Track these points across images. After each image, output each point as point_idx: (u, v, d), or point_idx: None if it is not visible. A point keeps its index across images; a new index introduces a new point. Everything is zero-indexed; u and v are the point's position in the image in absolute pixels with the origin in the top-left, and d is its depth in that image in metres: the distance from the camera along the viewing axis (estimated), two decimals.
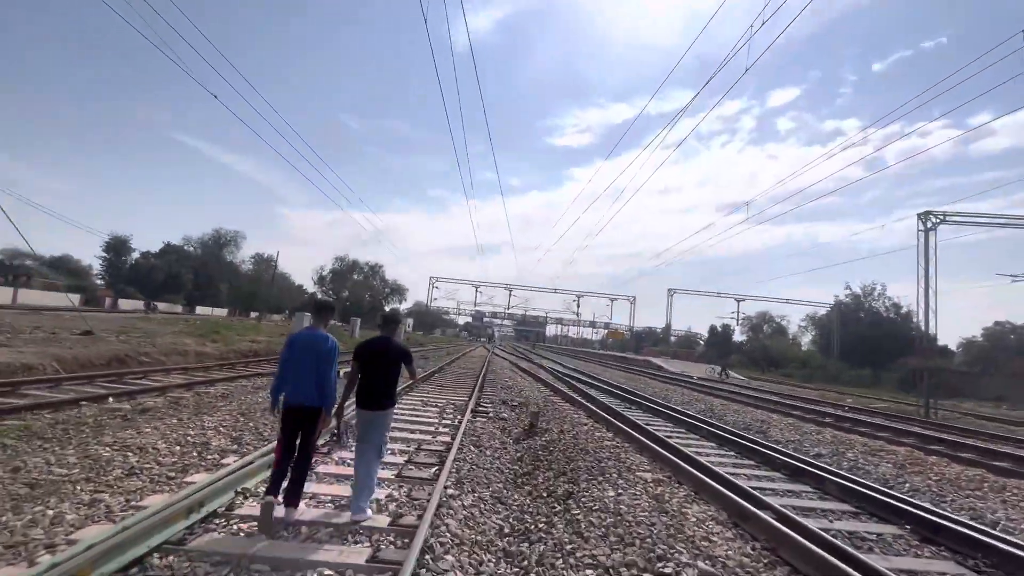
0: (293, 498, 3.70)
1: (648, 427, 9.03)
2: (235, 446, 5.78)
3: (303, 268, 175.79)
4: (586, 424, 9.17)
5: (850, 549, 3.90)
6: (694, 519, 4.47)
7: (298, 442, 3.78)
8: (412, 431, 7.39)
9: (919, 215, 24.42)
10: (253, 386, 10.72)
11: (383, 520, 3.90)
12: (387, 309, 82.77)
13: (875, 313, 57.48)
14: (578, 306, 79.06)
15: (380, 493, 4.47)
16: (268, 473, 3.98)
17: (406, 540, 3.56)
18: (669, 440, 7.79)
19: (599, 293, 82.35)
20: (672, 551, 3.72)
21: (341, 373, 4.21)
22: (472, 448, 6.64)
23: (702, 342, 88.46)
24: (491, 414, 9.80)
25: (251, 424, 6.82)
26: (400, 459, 5.85)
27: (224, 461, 5.12)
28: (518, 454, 7.00)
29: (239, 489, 4.24)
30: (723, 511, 4.76)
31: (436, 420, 8.46)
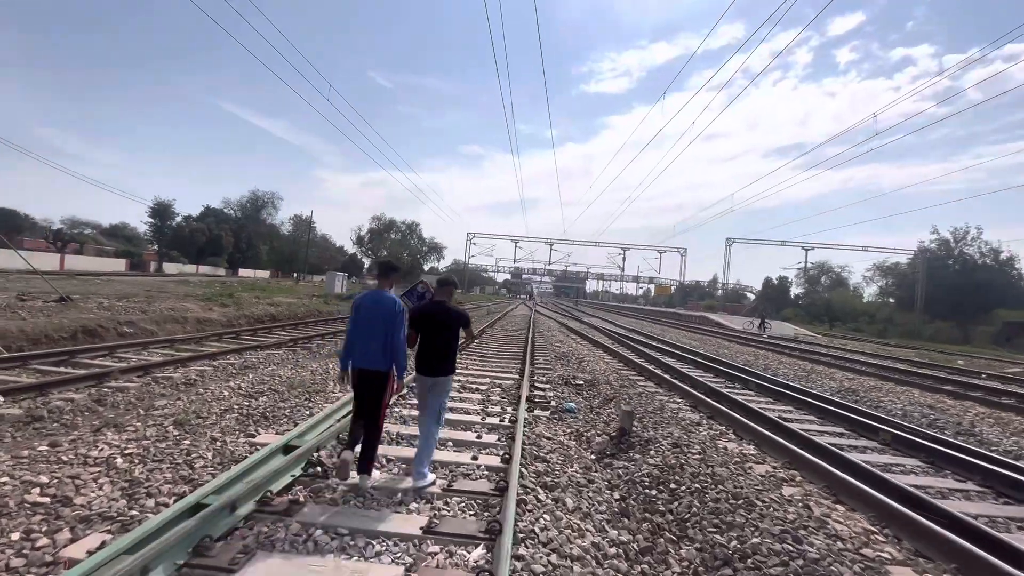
0: (364, 464, 3.69)
1: (818, 439, 5.96)
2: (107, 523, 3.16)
3: (342, 230, 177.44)
4: (702, 425, 6.21)
5: None
6: None
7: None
8: (443, 442, 4.71)
9: None
10: (241, 364, 8.33)
11: None
12: (426, 269, 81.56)
13: (967, 260, 50.57)
14: (624, 260, 74.75)
15: None
16: None
17: None
18: (870, 468, 4.71)
19: (646, 246, 77.41)
20: None
21: None
22: (539, 486, 3.85)
23: (752, 295, 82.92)
24: (553, 403, 7.00)
25: (167, 458, 4.24)
26: (420, 518, 3.15)
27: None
28: (615, 494, 4.16)
29: None
30: None
31: (478, 418, 5.74)
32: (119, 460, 3.80)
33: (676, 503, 3.87)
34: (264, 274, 70.69)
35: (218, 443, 4.39)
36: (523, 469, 4.11)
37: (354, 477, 3.62)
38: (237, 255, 71.59)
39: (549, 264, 76.59)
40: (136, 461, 3.83)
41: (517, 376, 9.11)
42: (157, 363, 7.60)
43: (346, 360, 3.77)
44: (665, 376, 9.45)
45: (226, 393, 5.99)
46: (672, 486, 4.13)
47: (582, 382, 8.94)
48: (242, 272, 67.28)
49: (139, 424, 4.68)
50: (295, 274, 67.93)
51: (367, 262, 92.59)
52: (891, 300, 60.82)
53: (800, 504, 3.81)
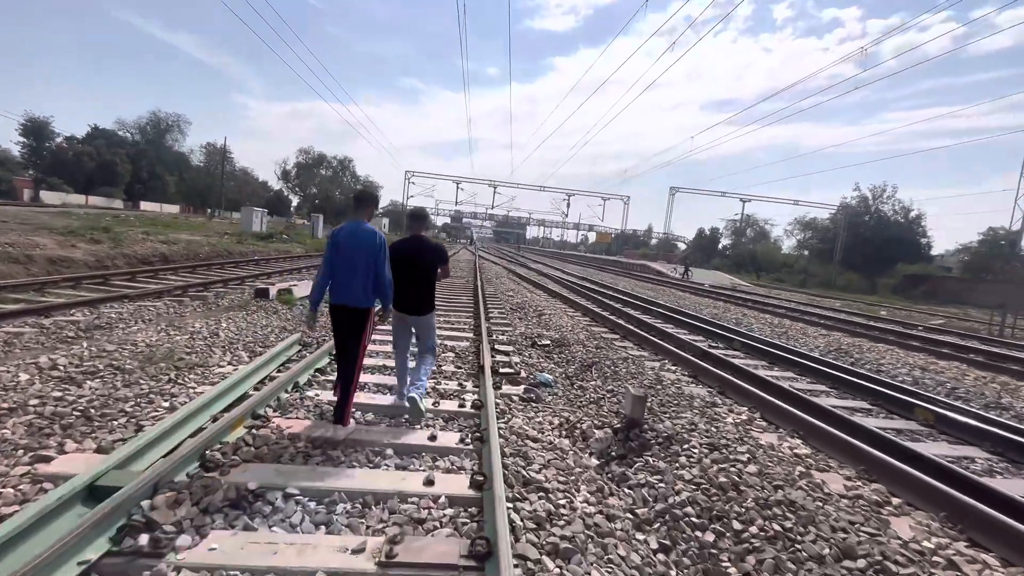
0: (341, 412, 3.53)
1: (860, 422, 4.81)
2: None
3: (267, 164, 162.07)
4: (719, 406, 4.85)
5: None
6: None
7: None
8: (379, 448, 3.04)
9: None
10: (89, 323, 5.98)
11: None
12: (370, 201, 75.68)
13: (882, 216, 54.20)
14: (568, 206, 73.62)
15: None
16: None
17: None
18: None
19: (592, 192, 76.37)
20: None
21: None
22: (543, 548, 2.30)
23: (685, 245, 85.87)
24: (524, 375, 5.46)
25: None
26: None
27: None
28: (651, 541, 2.69)
29: None
30: None
31: (430, 402, 4.07)
32: None
33: (754, 559, 2.47)
34: (173, 209, 62.57)
35: None
36: (512, 512, 2.52)
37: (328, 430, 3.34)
38: (138, 186, 62.66)
39: (492, 208, 73.97)
40: None
41: (472, 335, 7.47)
42: None
43: (317, 299, 3.60)
44: (644, 334, 8.18)
45: (28, 375, 3.84)
46: (735, 523, 2.74)
47: (549, 342, 7.46)
48: (145, 206, 58.86)
49: None
50: (209, 210, 60.78)
51: (295, 199, 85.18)
52: (806, 252, 64.89)
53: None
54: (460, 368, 5.45)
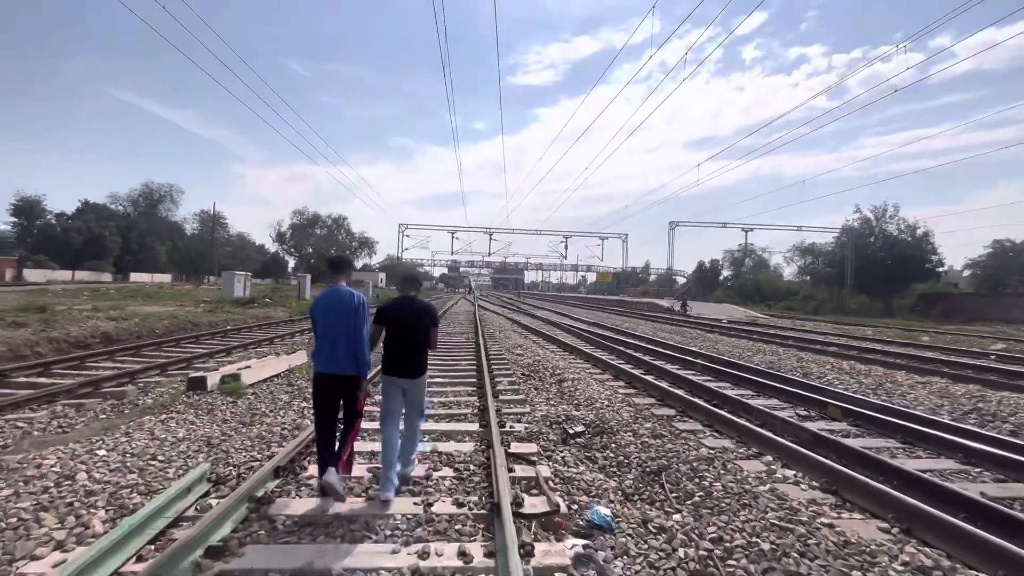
0: (344, 465, 3.44)
1: None
2: None
3: (265, 227, 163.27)
4: None
5: None
6: None
7: (340, 416, 3.55)
8: None
9: None
10: None
11: None
12: (357, 267, 74.65)
13: (887, 236, 52.78)
14: (566, 248, 72.56)
15: None
16: None
17: None
18: None
19: (589, 233, 75.47)
20: None
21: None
22: None
23: (685, 278, 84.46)
24: (563, 507, 3.36)
25: None
26: None
27: None
28: None
29: None
30: None
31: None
32: None
33: None
34: (164, 278, 61.16)
35: None
36: None
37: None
38: (128, 258, 61.56)
39: (489, 255, 72.82)
40: None
41: (477, 425, 5.42)
42: None
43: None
44: (709, 406, 6.07)
45: None
46: None
47: (583, 428, 5.38)
48: (136, 277, 57.46)
49: None
50: (205, 277, 59.40)
51: (291, 261, 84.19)
52: (807, 278, 63.24)
53: None
54: (462, 506, 3.37)
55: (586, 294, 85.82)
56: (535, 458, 4.36)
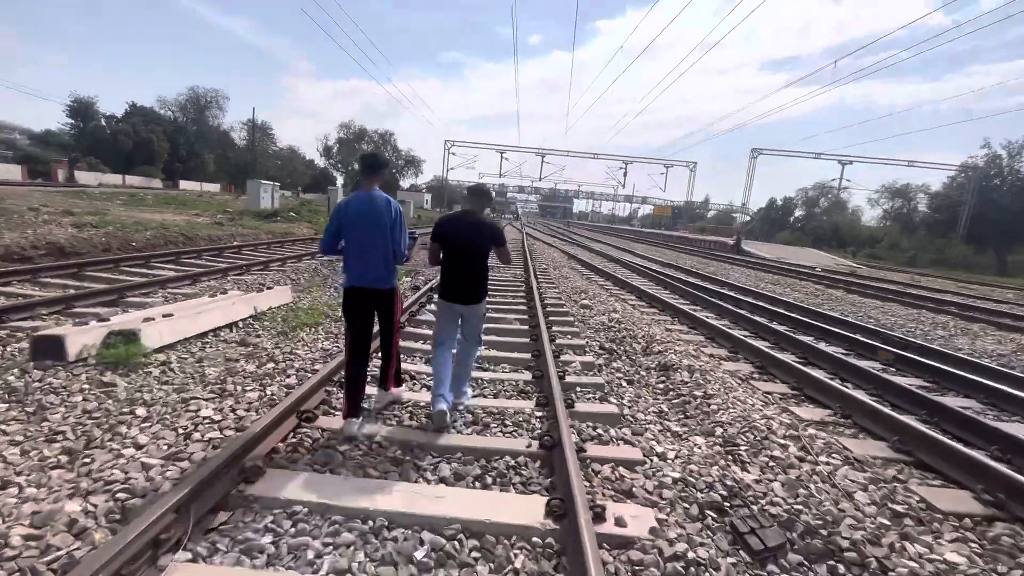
0: (392, 381, 3.37)
1: None
2: None
3: (315, 142, 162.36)
4: None
5: None
6: None
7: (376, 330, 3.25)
8: None
9: None
10: None
11: None
12: (404, 186, 71.94)
13: (1019, 179, 44.03)
14: (624, 175, 66.50)
15: None
16: None
17: None
18: None
19: (653, 159, 68.42)
20: None
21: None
22: None
23: (750, 216, 76.93)
24: None
25: None
26: None
27: None
28: None
29: None
30: None
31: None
32: None
33: None
34: (214, 188, 60.86)
35: None
36: None
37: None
38: (176, 164, 61.26)
39: (540, 179, 67.98)
40: None
41: (540, 412, 2.46)
42: None
43: (327, 249, 3.15)
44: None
45: None
46: None
47: (782, 542, 2.33)
48: (185, 185, 57.28)
49: None
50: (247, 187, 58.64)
51: (339, 176, 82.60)
52: (887, 223, 55.46)
53: None
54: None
55: (640, 227, 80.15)
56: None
